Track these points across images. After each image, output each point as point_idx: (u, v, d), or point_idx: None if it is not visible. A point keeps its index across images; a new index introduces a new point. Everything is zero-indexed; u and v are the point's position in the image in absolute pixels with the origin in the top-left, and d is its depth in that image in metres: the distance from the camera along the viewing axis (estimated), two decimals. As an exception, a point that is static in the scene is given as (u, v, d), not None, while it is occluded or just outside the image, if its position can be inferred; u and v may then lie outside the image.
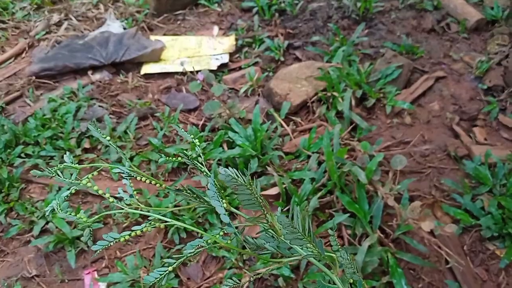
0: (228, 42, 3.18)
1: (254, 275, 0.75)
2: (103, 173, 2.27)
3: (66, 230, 1.92)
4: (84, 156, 2.31)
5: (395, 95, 2.55)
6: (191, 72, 2.75)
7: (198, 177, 2.15)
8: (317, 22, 3.32)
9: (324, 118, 2.47)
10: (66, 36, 3.33)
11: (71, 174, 0.70)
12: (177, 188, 0.74)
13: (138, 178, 0.74)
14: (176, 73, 2.95)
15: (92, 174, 0.67)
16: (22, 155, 2.33)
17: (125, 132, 2.44)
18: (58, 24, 3.52)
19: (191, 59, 3.07)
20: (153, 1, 3.53)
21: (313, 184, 1.96)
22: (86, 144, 2.36)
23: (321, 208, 1.94)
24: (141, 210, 0.70)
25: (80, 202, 2.14)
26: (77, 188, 0.68)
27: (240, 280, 0.69)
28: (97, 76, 2.92)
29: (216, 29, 3.36)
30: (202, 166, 0.78)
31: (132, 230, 0.62)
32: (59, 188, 2.13)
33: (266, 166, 2.12)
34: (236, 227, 0.73)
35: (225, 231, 0.74)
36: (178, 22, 3.54)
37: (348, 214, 1.83)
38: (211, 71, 2.82)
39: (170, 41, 3.25)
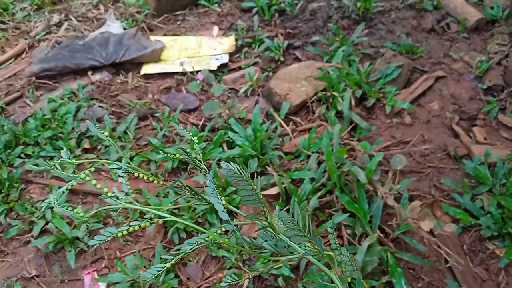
0: (228, 42, 3.18)
1: (253, 274, 0.75)
2: (102, 173, 2.28)
3: (66, 231, 1.92)
4: (84, 156, 2.31)
5: (394, 95, 2.55)
6: (191, 72, 2.75)
7: (197, 177, 2.15)
8: (317, 22, 3.32)
9: (324, 118, 2.47)
10: (66, 36, 3.33)
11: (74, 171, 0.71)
12: (176, 185, 0.74)
13: (136, 174, 0.74)
14: (176, 73, 2.96)
15: (90, 171, 0.67)
16: (22, 155, 2.33)
17: (125, 132, 2.44)
18: (58, 24, 3.52)
19: (191, 59, 3.07)
20: (153, 2, 3.54)
21: (312, 184, 1.96)
22: (86, 144, 2.36)
23: (321, 207, 1.94)
24: (138, 205, 0.70)
25: (80, 202, 2.14)
26: (75, 183, 0.68)
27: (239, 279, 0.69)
28: (97, 77, 2.92)
29: (216, 29, 3.37)
30: (200, 163, 0.78)
31: (130, 226, 0.62)
32: (59, 188, 2.13)
33: (266, 166, 2.12)
34: (236, 225, 0.73)
35: (224, 229, 0.74)
36: (178, 23, 3.55)
37: (347, 214, 1.83)
38: (211, 71, 2.82)
39: (170, 41, 3.25)
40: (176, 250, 1.90)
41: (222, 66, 3.01)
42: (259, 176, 2.13)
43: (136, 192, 2.11)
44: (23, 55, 3.21)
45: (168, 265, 0.60)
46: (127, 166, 0.71)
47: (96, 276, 1.83)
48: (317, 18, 3.36)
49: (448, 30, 3.19)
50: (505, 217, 1.86)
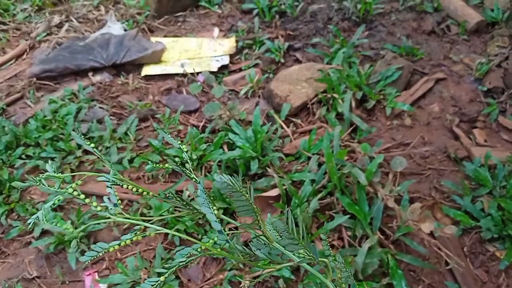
0: (229, 44, 3.19)
1: (252, 280, 0.76)
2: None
3: (67, 232, 1.92)
4: (84, 158, 2.31)
5: (395, 97, 2.56)
6: (191, 73, 2.75)
7: (198, 178, 2.15)
8: (317, 24, 3.33)
9: (324, 119, 2.47)
10: (67, 37, 3.34)
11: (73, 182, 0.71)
12: (166, 195, 0.74)
13: (137, 175, 0.75)
14: (177, 74, 2.96)
15: (76, 184, 0.66)
16: (23, 156, 2.33)
17: (126, 133, 2.44)
18: (59, 25, 3.52)
19: (191, 61, 3.08)
20: (154, 3, 3.54)
21: (313, 186, 1.97)
22: (91, 145, 2.36)
23: (321, 209, 1.94)
24: (128, 218, 0.69)
25: (81, 204, 2.14)
26: (62, 198, 0.68)
27: (240, 282, 0.70)
28: (97, 78, 2.92)
29: (216, 30, 3.37)
30: (190, 173, 0.78)
31: (121, 240, 0.62)
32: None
33: (267, 168, 2.12)
34: (235, 228, 0.73)
35: (218, 239, 0.74)
36: (179, 24, 3.55)
37: (348, 216, 1.83)
38: (211, 72, 2.82)
39: (170, 42, 3.25)
40: (177, 251, 1.89)
41: (223, 67, 3.01)
42: (259, 178, 2.13)
43: (136, 193, 2.11)
44: (24, 56, 3.22)
45: (162, 278, 0.60)
46: (115, 178, 0.71)
47: (97, 277, 1.83)
48: (318, 20, 3.37)
49: (448, 32, 3.20)
50: (505, 219, 1.86)
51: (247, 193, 0.66)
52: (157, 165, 0.94)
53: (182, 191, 2.09)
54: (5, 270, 1.90)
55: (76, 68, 2.93)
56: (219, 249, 0.70)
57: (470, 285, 1.72)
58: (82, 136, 0.73)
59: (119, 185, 0.77)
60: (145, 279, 1.78)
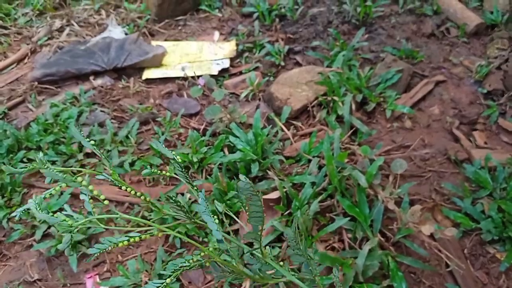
0: (229, 47, 3.20)
1: (253, 283, 0.76)
2: (104, 177, 2.28)
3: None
4: (86, 161, 2.32)
5: (395, 100, 2.56)
6: (192, 77, 2.77)
7: (199, 181, 2.16)
8: (317, 27, 3.34)
9: (325, 122, 2.48)
10: (68, 41, 3.35)
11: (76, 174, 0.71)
12: (166, 198, 0.75)
13: (138, 178, 0.75)
14: (177, 78, 2.97)
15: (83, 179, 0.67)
16: (25, 160, 2.34)
17: (127, 136, 2.45)
18: (60, 30, 3.54)
19: (192, 64, 3.09)
20: (155, 7, 3.56)
21: (313, 188, 1.97)
22: (88, 149, 2.37)
23: (321, 212, 1.94)
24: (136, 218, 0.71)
25: (82, 207, 2.15)
26: (58, 188, 0.68)
27: (241, 285, 0.70)
28: (98, 82, 2.94)
29: (217, 34, 3.39)
30: (191, 185, 0.79)
31: (130, 236, 0.63)
32: (61, 193, 2.14)
33: (267, 170, 2.13)
34: (235, 231, 0.74)
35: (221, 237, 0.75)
36: (179, 28, 3.57)
37: (348, 218, 1.84)
38: (212, 76, 2.84)
39: (171, 46, 3.27)
40: (178, 255, 1.90)
41: (223, 71, 3.02)
42: (259, 181, 2.14)
43: (138, 196, 2.12)
44: (25, 60, 3.23)
45: (168, 280, 0.61)
46: (113, 179, 0.72)
47: (98, 280, 1.84)
48: (318, 23, 3.38)
49: (448, 34, 3.21)
50: (505, 221, 1.86)
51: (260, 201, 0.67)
52: (155, 171, 0.95)
53: (183, 194, 2.10)
54: (7, 273, 1.90)
55: (77, 72, 2.95)
56: (219, 257, 0.70)
57: (470, 287, 1.72)
58: (83, 134, 0.74)
59: (117, 185, 0.78)
60: (146, 282, 1.79)
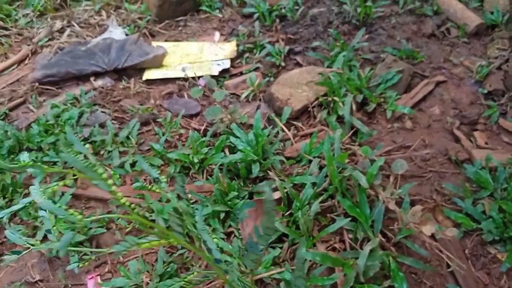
0: (229, 48, 3.20)
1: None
2: (105, 178, 2.28)
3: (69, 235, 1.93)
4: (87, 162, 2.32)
5: (395, 100, 2.56)
6: (192, 77, 2.77)
7: (200, 181, 2.16)
8: (317, 27, 3.34)
9: (325, 122, 2.48)
10: (68, 42, 3.36)
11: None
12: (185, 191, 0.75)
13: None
14: (178, 78, 2.98)
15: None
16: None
17: (127, 137, 2.45)
18: (61, 30, 3.55)
19: (192, 65, 3.09)
20: (155, 8, 3.56)
21: (314, 189, 1.97)
22: (89, 149, 2.37)
23: (322, 212, 1.94)
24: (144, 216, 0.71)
25: (83, 208, 2.15)
26: (61, 184, 0.67)
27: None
28: (99, 82, 2.94)
29: (217, 35, 3.39)
30: (189, 203, 0.80)
31: (148, 241, 0.63)
32: (63, 194, 2.15)
33: (268, 171, 2.13)
34: (234, 232, 0.74)
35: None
36: (180, 28, 3.57)
37: (349, 218, 1.84)
38: (212, 76, 2.84)
39: (171, 47, 3.27)
40: (179, 256, 1.90)
41: (224, 71, 3.03)
42: (260, 181, 2.14)
43: (138, 197, 2.12)
44: (26, 61, 3.24)
45: None
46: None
47: (99, 280, 1.84)
48: (318, 23, 3.38)
49: (448, 35, 3.21)
50: (506, 221, 1.86)
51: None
52: (145, 185, 0.95)
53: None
54: (8, 274, 1.91)
55: (78, 73, 2.95)
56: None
57: (471, 287, 1.72)
58: (79, 137, 0.75)
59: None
60: (147, 283, 1.79)
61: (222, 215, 1.97)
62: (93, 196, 2.18)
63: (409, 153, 2.30)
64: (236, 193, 2.02)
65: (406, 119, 2.51)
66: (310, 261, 1.77)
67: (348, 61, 2.87)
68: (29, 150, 2.40)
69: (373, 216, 1.84)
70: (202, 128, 2.53)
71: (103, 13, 3.76)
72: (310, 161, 2.16)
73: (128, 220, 2.05)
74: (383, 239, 1.81)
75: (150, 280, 1.77)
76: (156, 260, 1.88)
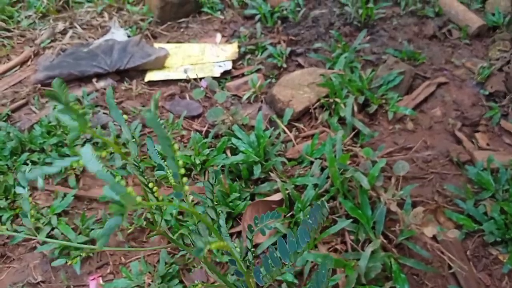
0: (231, 49, 3.21)
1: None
2: (107, 179, 2.29)
3: (71, 237, 1.94)
4: (89, 163, 2.33)
5: (397, 101, 2.57)
6: (194, 79, 2.78)
7: (201, 183, 2.16)
8: (319, 29, 3.35)
9: (327, 124, 2.49)
10: (71, 44, 3.37)
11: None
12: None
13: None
14: (180, 80, 2.98)
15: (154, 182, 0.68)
16: (28, 162, 2.35)
17: (130, 139, 2.45)
18: (63, 32, 3.56)
19: (194, 66, 3.10)
20: (157, 9, 3.57)
21: (316, 190, 1.98)
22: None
23: (324, 213, 1.94)
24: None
25: (85, 209, 2.16)
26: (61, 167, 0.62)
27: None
28: (101, 84, 2.95)
29: (219, 36, 3.40)
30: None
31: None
32: (64, 195, 2.15)
33: (269, 172, 2.13)
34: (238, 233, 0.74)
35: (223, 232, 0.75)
36: (182, 30, 3.58)
37: (351, 220, 1.84)
38: (214, 78, 2.84)
39: (173, 48, 3.28)
40: (181, 257, 1.91)
41: (225, 73, 3.03)
42: (262, 183, 2.14)
43: (142, 198, 2.12)
44: (29, 63, 3.24)
45: None
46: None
47: (101, 282, 1.84)
48: (319, 25, 3.39)
49: (449, 36, 3.22)
50: (508, 222, 1.86)
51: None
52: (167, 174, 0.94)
53: (185, 196, 2.10)
54: (10, 275, 1.91)
55: (80, 74, 2.96)
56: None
57: (473, 289, 1.72)
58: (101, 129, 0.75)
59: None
60: (149, 284, 1.80)
61: (224, 217, 1.98)
62: (95, 197, 2.19)
63: (411, 155, 2.31)
64: (237, 195, 2.02)
65: (407, 120, 2.51)
66: (312, 262, 1.77)
67: (350, 63, 2.88)
68: (32, 151, 2.41)
69: (374, 217, 1.84)
70: (204, 129, 2.54)
71: (105, 14, 3.77)
72: (311, 163, 2.16)
73: (130, 221, 2.05)
74: (384, 241, 1.81)
75: (152, 282, 1.77)
76: (158, 261, 1.88)
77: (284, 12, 3.51)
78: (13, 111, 2.78)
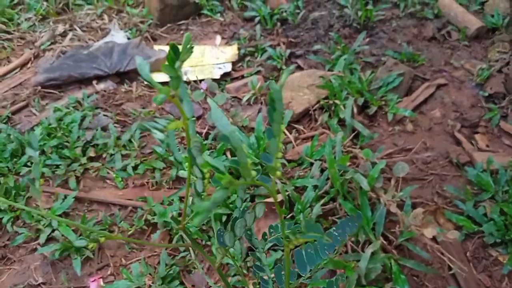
0: (231, 51, 3.22)
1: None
2: (107, 181, 2.30)
3: (72, 238, 1.94)
4: (89, 165, 2.33)
5: (396, 103, 2.57)
6: (194, 81, 2.78)
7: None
8: (318, 31, 3.35)
9: (326, 125, 2.49)
10: (71, 46, 3.37)
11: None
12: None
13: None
14: (180, 82, 2.98)
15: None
16: (28, 164, 2.35)
17: (130, 140, 2.46)
18: (63, 34, 3.56)
19: (194, 69, 3.11)
20: (157, 12, 3.58)
21: (316, 191, 1.98)
22: (91, 152, 2.39)
23: (324, 215, 1.95)
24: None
25: (86, 210, 2.16)
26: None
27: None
28: (101, 86, 2.95)
29: (218, 38, 3.40)
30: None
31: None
32: (65, 197, 2.15)
33: (269, 174, 2.13)
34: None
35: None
36: (181, 32, 3.59)
37: (351, 221, 1.84)
38: (214, 80, 2.85)
39: (173, 50, 3.28)
40: (181, 259, 1.91)
41: (225, 75, 3.04)
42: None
43: (141, 200, 2.13)
44: (29, 65, 3.25)
45: None
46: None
47: (102, 283, 1.84)
48: (319, 27, 3.40)
49: (449, 38, 3.22)
50: (508, 223, 1.87)
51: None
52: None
53: (181, 198, 2.11)
54: (11, 276, 1.91)
55: (80, 76, 2.97)
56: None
57: (473, 289, 1.73)
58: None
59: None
60: (150, 285, 1.80)
61: (223, 218, 1.98)
62: (95, 199, 2.19)
63: (410, 156, 2.31)
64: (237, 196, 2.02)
65: (407, 122, 2.52)
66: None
67: (349, 64, 2.88)
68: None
69: (374, 218, 1.85)
70: (204, 131, 2.54)
71: (105, 17, 3.78)
72: (311, 164, 2.17)
73: (130, 223, 2.06)
74: (384, 242, 1.81)
75: (152, 283, 1.78)
76: (159, 262, 1.88)
77: (284, 14, 3.52)
78: (14, 113, 2.78)
